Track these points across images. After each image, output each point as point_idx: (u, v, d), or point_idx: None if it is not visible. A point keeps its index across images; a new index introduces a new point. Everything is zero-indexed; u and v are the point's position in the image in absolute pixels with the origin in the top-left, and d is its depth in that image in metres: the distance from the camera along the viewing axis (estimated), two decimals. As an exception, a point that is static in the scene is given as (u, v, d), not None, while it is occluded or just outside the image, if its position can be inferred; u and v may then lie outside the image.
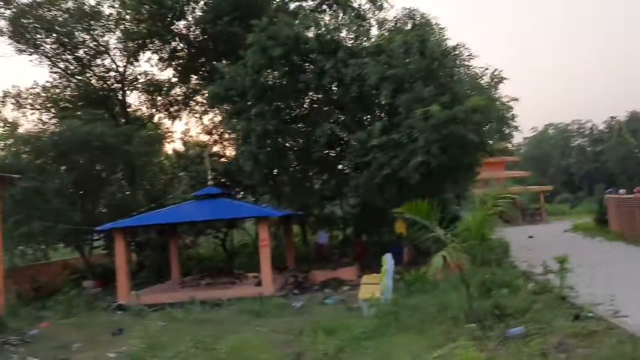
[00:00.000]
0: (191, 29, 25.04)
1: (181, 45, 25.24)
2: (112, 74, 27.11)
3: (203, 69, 26.08)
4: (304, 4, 25.06)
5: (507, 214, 46.28)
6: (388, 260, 14.37)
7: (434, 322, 10.30)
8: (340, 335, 10.08)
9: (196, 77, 27.07)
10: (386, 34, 18.83)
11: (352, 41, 18.82)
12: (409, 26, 18.26)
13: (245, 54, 18.85)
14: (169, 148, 32.16)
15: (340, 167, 19.79)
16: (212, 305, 15.73)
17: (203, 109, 26.49)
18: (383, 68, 16.17)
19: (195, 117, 27.34)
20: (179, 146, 29.22)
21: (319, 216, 25.17)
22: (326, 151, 18.61)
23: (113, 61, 27.06)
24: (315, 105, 20.03)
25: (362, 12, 24.26)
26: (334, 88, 18.44)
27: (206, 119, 26.76)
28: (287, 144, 19.17)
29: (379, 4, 24.71)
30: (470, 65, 19.11)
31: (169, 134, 32.51)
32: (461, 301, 10.60)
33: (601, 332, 7.81)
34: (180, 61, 26.50)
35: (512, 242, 25.77)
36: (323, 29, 18.64)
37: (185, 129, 29.58)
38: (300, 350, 9.66)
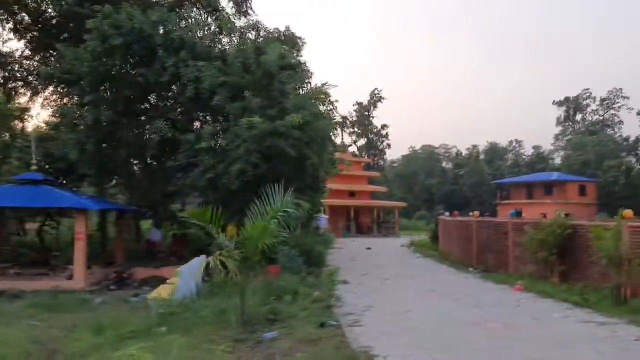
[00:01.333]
0: (42, 3, 23.57)
1: (27, 18, 23.62)
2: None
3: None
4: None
5: (366, 226, 49.26)
6: (193, 261, 14.72)
7: (208, 324, 10.75)
8: (108, 333, 10.14)
9: (49, 54, 25.48)
10: (235, 41, 19.20)
11: (200, 42, 18.87)
12: (253, 37, 18.77)
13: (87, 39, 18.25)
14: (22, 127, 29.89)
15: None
16: (10, 296, 14.99)
17: (40, 87, 24.92)
18: (218, 74, 16.49)
19: (38, 97, 25.62)
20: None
21: (163, 212, 24.88)
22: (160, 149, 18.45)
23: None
24: (154, 101, 19.80)
25: (226, 15, 24.48)
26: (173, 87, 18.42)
27: (47, 99, 25.14)
28: (121, 138, 18.67)
29: (244, 10, 25.16)
30: (319, 84, 19.85)
31: (24, 111, 30.19)
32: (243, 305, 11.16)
33: (326, 339, 8.69)
34: (33, 34, 24.82)
35: (349, 252, 27.53)
36: (170, 26, 18.53)
37: (24, 108, 27.60)
38: (57, 347, 9.58)
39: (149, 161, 20.01)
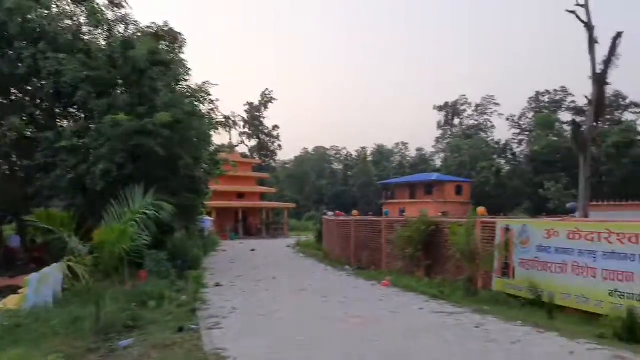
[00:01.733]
0: None
1: None
2: None
3: None
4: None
5: (255, 227, 48.97)
6: (49, 269, 13.64)
7: (59, 335, 9.98)
8: None
9: None
10: (102, 34, 18.11)
11: (62, 33, 17.54)
12: (122, 31, 17.85)
13: None
14: None
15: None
16: None
17: None
18: (81, 68, 15.47)
19: None
20: None
21: (26, 216, 22.88)
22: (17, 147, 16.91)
23: None
24: (13, 96, 18.11)
25: (97, 6, 23.07)
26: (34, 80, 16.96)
27: None
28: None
29: (118, 2, 23.83)
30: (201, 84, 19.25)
31: None
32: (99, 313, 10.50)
33: (181, 343, 8.44)
34: None
35: (233, 254, 27.14)
36: (30, 14, 17.04)
37: None
38: None
39: (12, 160, 18.21)
